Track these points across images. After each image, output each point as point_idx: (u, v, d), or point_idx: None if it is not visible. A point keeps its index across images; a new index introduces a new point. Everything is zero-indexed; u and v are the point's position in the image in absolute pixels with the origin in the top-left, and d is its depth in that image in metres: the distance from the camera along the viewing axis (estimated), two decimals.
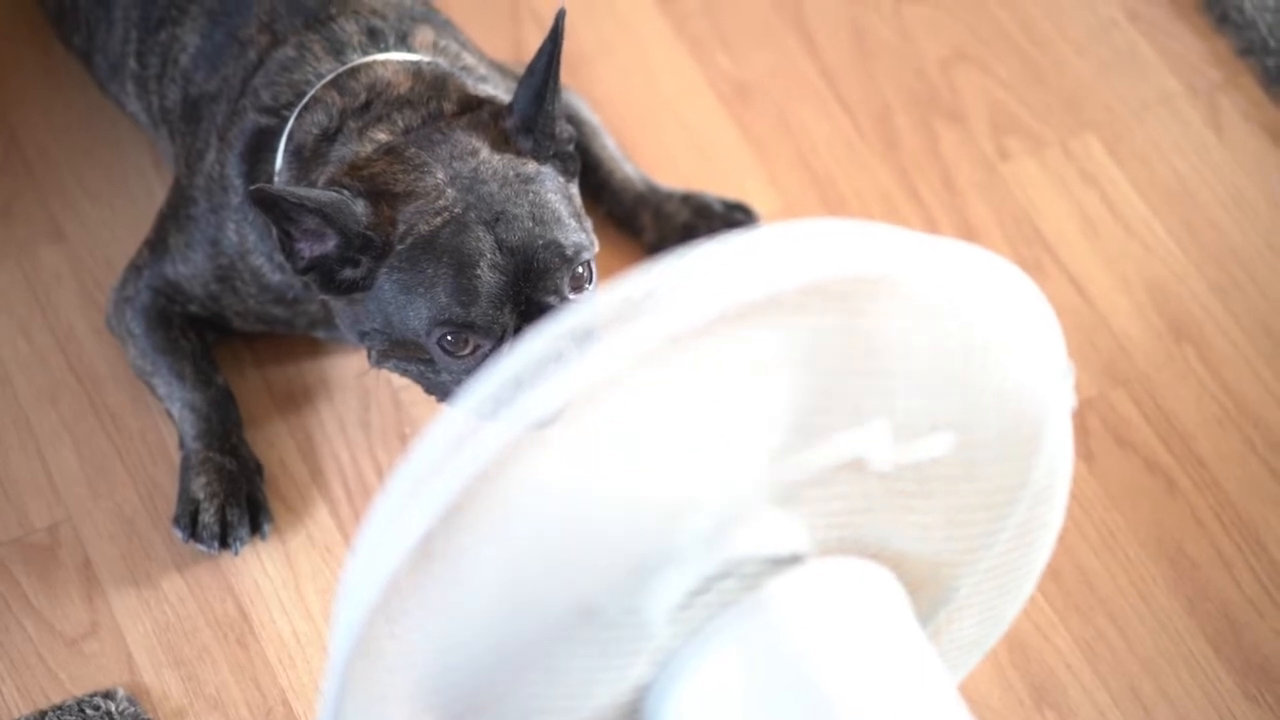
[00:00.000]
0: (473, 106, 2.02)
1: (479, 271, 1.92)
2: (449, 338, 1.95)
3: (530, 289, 1.93)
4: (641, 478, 1.44)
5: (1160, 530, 2.18)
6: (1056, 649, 2.11)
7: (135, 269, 2.21)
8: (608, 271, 2.25)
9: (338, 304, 2.01)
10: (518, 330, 1.94)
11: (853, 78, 2.47)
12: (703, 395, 1.44)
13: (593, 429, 1.41)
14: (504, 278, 1.93)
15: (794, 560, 1.50)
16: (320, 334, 2.20)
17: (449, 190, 1.95)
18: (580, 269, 1.95)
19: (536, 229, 1.94)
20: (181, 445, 2.18)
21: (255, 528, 2.15)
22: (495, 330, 1.94)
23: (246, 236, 2.10)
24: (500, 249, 1.93)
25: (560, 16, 1.94)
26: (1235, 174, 2.40)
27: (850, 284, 1.43)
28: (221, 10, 2.14)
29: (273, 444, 2.22)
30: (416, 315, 1.95)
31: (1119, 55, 2.49)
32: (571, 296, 1.95)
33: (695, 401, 1.44)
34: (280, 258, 2.04)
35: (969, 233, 2.36)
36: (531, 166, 1.98)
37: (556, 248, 1.94)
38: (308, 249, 1.96)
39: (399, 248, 1.94)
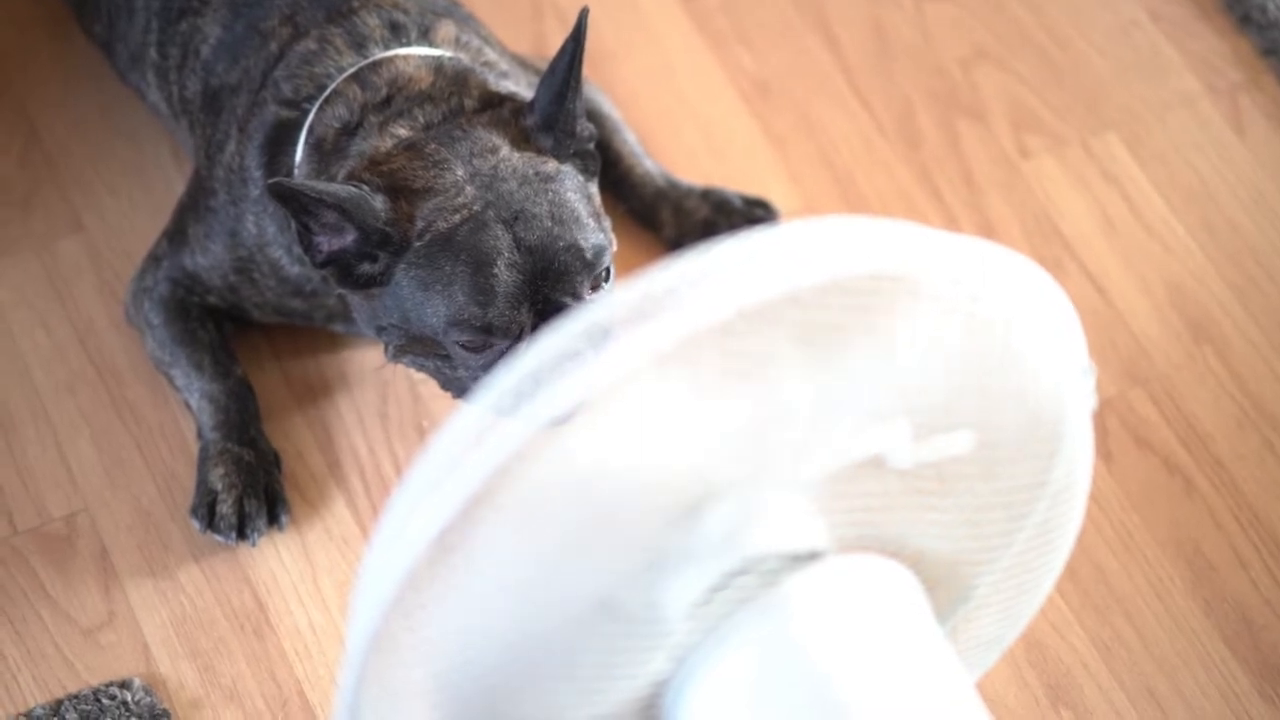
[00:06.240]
0: (494, 103, 2.02)
1: (497, 270, 1.92)
2: (466, 336, 1.95)
3: (549, 289, 1.93)
4: (661, 474, 1.44)
5: (1178, 531, 2.18)
6: (1073, 648, 2.11)
7: (154, 260, 2.21)
8: (627, 267, 2.25)
9: (355, 299, 2.01)
10: (535, 329, 1.94)
11: (874, 76, 2.47)
12: (722, 392, 1.44)
13: (612, 425, 1.41)
14: (521, 277, 1.93)
15: (813, 557, 1.50)
16: (338, 327, 2.20)
17: (468, 188, 1.95)
18: (599, 270, 1.95)
19: (556, 229, 1.94)
20: (199, 436, 2.18)
21: (273, 519, 2.15)
22: (512, 329, 1.94)
23: (265, 229, 2.10)
24: (519, 248, 1.93)
25: (583, 15, 1.94)
26: (1256, 174, 2.40)
27: (871, 281, 1.43)
28: (243, 2, 2.14)
29: (290, 436, 2.22)
30: (434, 313, 1.95)
31: (1140, 55, 2.49)
32: (590, 297, 1.95)
33: (715, 398, 1.44)
34: (299, 251, 2.05)
35: (989, 231, 2.36)
36: (551, 165, 1.98)
37: (577, 251, 1.93)
38: (326, 243, 1.96)
39: (417, 244, 1.94)
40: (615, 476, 1.43)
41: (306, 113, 2.05)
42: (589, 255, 1.94)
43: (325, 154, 2.02)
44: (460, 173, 1.95)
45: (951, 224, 2.36)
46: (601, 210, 2.02)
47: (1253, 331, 2.29)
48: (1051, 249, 2.35)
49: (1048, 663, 2.10)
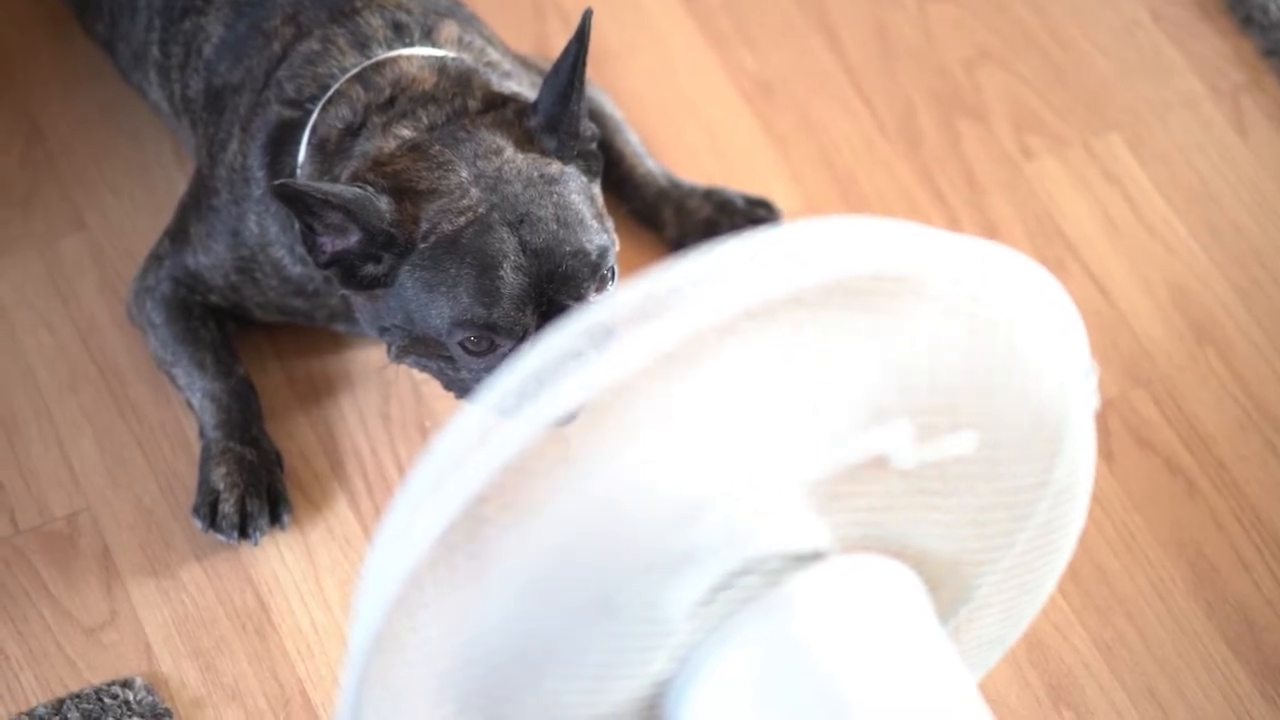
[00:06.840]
0: (497, 104, 2.02)
1: (502, 273, 1.92)
2: (470, 338, 1.95)
3: (554, 291, 1.93)
4: (663, 473, 1.44)
5: (1180, 531, 2.18)
6: (1074, 648, 2.11)
7: (156, 259, 2.21)
8: (630, 267, 2.25)
9: (358, 299, 2.01)
10: (539, 331, 1.94)
11: (876, 76, 2.47)
12: (724, 392, 1.44)
13: (614, 425, 1.41)
14: (527, 279, 1.93)
15: (815, 557, 1.50)
16: (340, 327, 2.20)
17: (473, 189, 1.95)
18: (605, 273, 1.96)
19: (561, 232, 1.94)
20: (202, 435, 2.18)
21: (275, 519, 2.15)
22: (517, 331, 1.94)
23: (268, 228, 2.10)
24: (524, 251, 1.93)
25: (587, 16, 1.94)
26: (1258, 175, 2.40)
27: (873, 281, 1.43)
28: (246, 1, 2.14)
29: (293, 436, 2.22)
30: (438, 314, 1.95)
31: (1142, 55, 2.49)
32: (594, 298, 1.95)
33: (717, 398, 1.44)
34: (301, 250, 2.05)
35: (991, 231, 2.36)
36: (555, 167, 1.98)
37: (584, 256, 1.93)
38: (330, 244, 1.96)
39: (421, 246, 1.94)
40: (618, 477, 1.43)
41: (309, 113, 2.05)
42: (594, 258, 1.94)
43: (328, 154, 2.02)
44: (465, 174, 1.95)
45: (953, 224, 2.36)
46: (604, 211, 2.02)
47: (1255, 333, 2.29)
48: (1054, 249, 2.35)
49: (1049, 663, 2.10)
